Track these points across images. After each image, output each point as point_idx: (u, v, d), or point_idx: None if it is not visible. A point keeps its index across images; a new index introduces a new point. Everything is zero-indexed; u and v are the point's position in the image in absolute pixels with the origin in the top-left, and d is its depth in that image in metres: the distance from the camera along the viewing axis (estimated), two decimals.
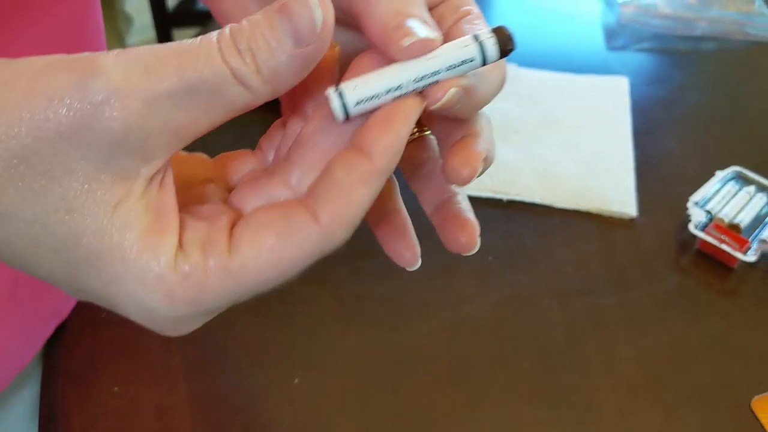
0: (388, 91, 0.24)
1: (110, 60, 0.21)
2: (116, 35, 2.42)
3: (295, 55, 0.22)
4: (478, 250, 0.59)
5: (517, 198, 0.64)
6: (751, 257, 0.57)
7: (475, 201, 0.65)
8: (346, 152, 0.23)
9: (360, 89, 0.24)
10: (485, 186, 0.65)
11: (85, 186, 0.21)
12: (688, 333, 0.54)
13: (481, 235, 0.62)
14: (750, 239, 0.58)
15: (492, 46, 0.24)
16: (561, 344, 0.53)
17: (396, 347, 0.53)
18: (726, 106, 0.76)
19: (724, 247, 0.57)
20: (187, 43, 0.22)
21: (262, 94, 0.22)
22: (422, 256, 0.58)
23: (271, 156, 0.29)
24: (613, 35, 0.86)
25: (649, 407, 0.50)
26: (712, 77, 0.80)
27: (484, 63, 0.25)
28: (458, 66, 0.24)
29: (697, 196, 0.62)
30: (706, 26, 0.86)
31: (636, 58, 0.83)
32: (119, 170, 0.21)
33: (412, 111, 0.24)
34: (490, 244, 0.61)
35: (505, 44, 0.25)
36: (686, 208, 0.61)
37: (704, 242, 0.59)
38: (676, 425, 0.48)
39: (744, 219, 0.60)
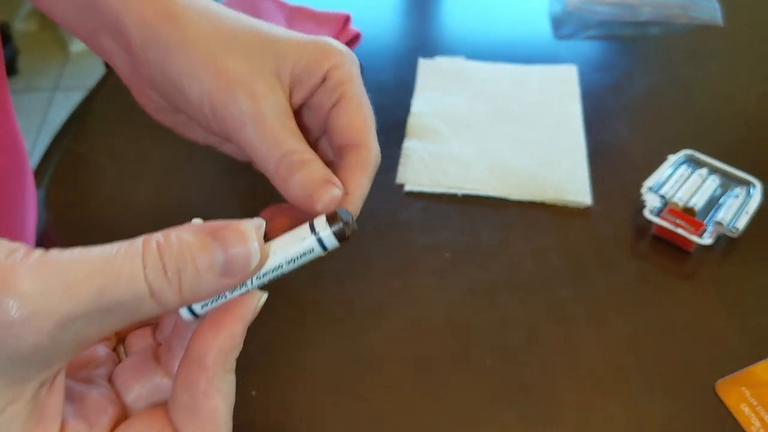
0: (233, 291, 0.25)
1: (28, 277, 0.20)
2: (59, 43, 2.36)
3: (220, 284, 0.23)
4: (435, 246, 0.58)
5: (472, 192, 0.63)
6: (707, 240, 0.56)
7: (429, 197, 0.65)
8: (187, 363, 0.25)
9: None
10: (439, 182, 0.64)
11: None
12: (649, 320, 0.54)
13: (437, 231, 0.61)
14: (705, 222, 0.58)
15: (329, 237, 0.26)
16: (522, 339, 0.53)
17: (356, 352, 0.51)
18: (674, 90, 0.77)
19: (679, 231, 0.57)
20: (111, 256, 0.21)
21: (172, 308, 0.23)
22: (378, 257, 0.57)
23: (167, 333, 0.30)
24: (560, 24, 0.86)
25: (614, 399, 0.49)
26: (659, 62, 0.80)
27: (325, 250, 0.26)
28: (299, 259, 0.26)
29: (651, 181, 0.61)
30: (651, 11, 0.87)
31: (584, 46, 0.83)
32: (16, 377, 0.21)
33: (246, 313, 0.25)
34: (447, 240, 0.60)
35: (343, 234, 0.26)
36: (640, 194, 0.60)
37: (660, 227, 0.58)
38: (642, 414, 0.48)
39: (698, 202, 0.59)
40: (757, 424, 0.47)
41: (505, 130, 0.69)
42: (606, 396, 0.49)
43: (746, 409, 0.48)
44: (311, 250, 0.26)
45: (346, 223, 0.26)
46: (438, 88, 0.74)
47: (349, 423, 0.47)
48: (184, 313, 0.26)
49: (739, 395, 0.48)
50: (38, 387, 0.22)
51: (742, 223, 0.58)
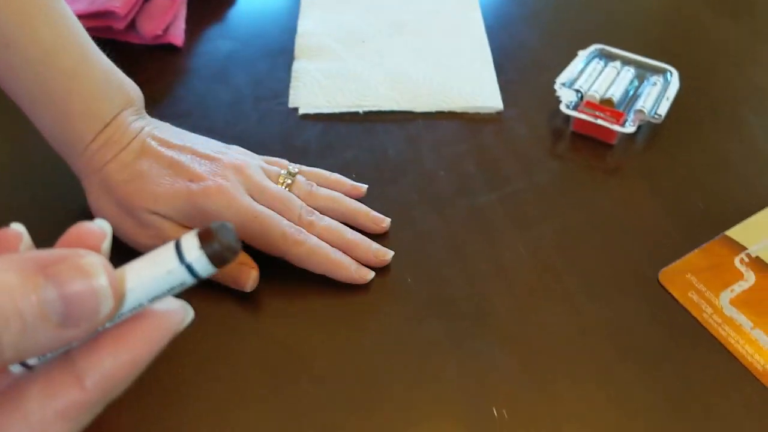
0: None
1: None
2: None
3: (61, 336, 0.18)
4: (340, 168, 0.52)
5: (374, 109, 0.57)
6: (630, 128, 0.52)
7: (328, 118, 0.58)
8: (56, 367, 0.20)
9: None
10: (337, 101, 0.57)
11: None
12: (577, 218, 0.49)
13: (340, 152, 0.55)
14: (625, 112, 0.54)
15: (202, 264, 0.19)
16: (444, 252, 0.47)
17: (264, 272, 0.44)
18: None
19: (600, 122, 0.52)
20: None
21: None
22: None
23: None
24: None
25: (550, 304, 0.44)
26: None
27: (198, 278, 0.20)
28: (165, 293, 0.20)
29: (563, 77, 0.57)
30: None
31: None
32: None
33: (160, 335, 0.20)
34: (352, 160, 0.53)
35: (222, 258, 0.19)
36: (554, 91, 0.56)
37: (579, 122, 0.54)
38: (583, 316, 0.43)
39: (615, 93, 0.55)
40: (709, 310, 0.43)
41: (402, 42, 0.63)
42: (540, 301, 0.44)
43: (695, 297, 0.43)
44: (181, 283, 0.19)
45: (226, 246, 0.19)
46: (324, 6, 0.67)
47: (266, 339, 0.40)
48: (14, 368, 0.20)
49: (684, 283, 0.44)
50: None
51: (663, 109, 0.53)
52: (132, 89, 0.46)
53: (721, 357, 0.41)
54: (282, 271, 0.44)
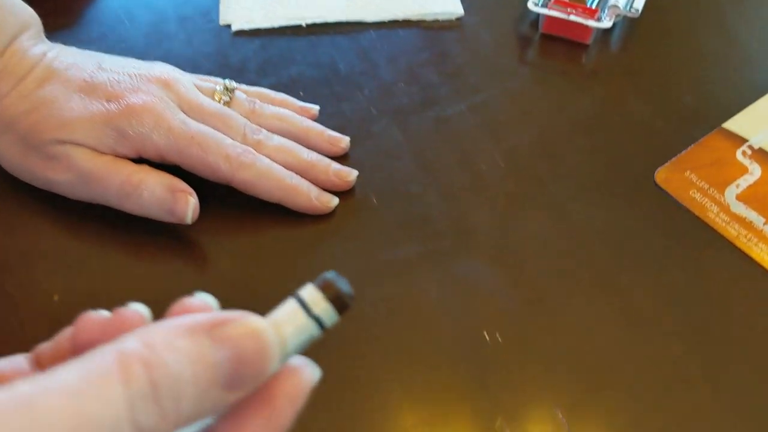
0: None
1: None
2: None
3: (222, 400, 0.17)
4: (284, 86, 0.45)
5: (319, 20, 0.50)
6: (606, 23, 0.47)
7: (266, 33, 0.51)
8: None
9: None
10: (276, 14, 0.50)
11: None
12: (556, 124, 0.44)
13: (284, 70, 0.48)
14: (598, 8, 0.48)
15: (331, 315, 0.19)
16: (412, 169, 0.41)
17: (225, 200, 0.38)
18: None
19: (573, 18, 0.47)
20: (81, 391, 0.16)
21: None
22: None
23: None
24: None
25: (536, 213, 0.38)
26: None
27: (323, 330, 0.20)
28: (298, 350, 0.19)
29: None
30: None
31: None
32: None
33: (298, 395, 0.20)
34: (297, 78, 0.46)
35: (345, 303, 0.20)
36: None
37: (549, 21, 0.48)
38: (572, 223, 0.38)
39: None
40: (714, 209, 0.38)
41: None
42: (525, 212, 0.39)
43: (697, 195, 0.39)
44: (310, 336, 0.19)
45: (347, 293, 0.20)
46: None
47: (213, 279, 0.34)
48: None
49: (684, 182, 0.39)
50: None
51: (640, 3, 0.48)
52: (26, 12, 0.39)
53: (732, 257, 0.36)
54: (228, 201, 0.38)
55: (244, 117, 0.39)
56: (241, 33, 0.50)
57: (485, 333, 0.33)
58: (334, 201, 0.38)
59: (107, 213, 0.37)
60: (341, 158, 0.41)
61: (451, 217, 0.38)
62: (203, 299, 0.21)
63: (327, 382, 0.21)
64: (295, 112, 0.42)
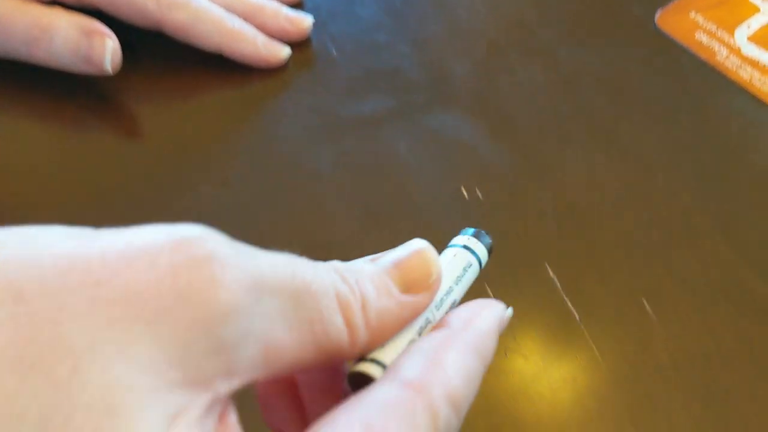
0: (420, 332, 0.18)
1: (219, 242, 0.14)
2: None
3: (403, 307, 0.17)
4: None
5: None
6: None
7: None
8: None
9: (391, 352, 0.18)
10: None
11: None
12: None
13: None
14: None
15: (483, 252, 0.20)
16: (379, 15, 0.35)
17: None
18: None
19: None
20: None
21: (357, 342, 0.16)
22: None
23: None
24: None
25: (523, 59, 0.34)
26: None
27: (480, 266, 0.20)
28: (462, 278, 0.19)
29: None
30: None
31: None
32: (191, 368, 0.13)
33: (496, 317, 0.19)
34: None
35: (491, 247, 0.20)
36: None
37: None
38: (569, 68, 0.33)
39: None
40: (723, 51, 0.33)
41: None
42: (510, 58, 0.33)
43: (704, 38, 0.34)
44: (469, 264, 0.19)
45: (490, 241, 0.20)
46: None
47: (148, 144, 0.29)
48: (372, 369, 0.17)
49: (688, 24, 0.34)
50: (206, 408, 0.13)
51: None
52: None
53: (745, 102, 0.32)
54: (160, 53, 0.32)
55: None
56: None
57: (463, 189, 0.29)
58: (286, 51, 0.33)
59: (19, 71, 0.31)
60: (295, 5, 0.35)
61: (424, 68, 0.33)
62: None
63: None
64: None
